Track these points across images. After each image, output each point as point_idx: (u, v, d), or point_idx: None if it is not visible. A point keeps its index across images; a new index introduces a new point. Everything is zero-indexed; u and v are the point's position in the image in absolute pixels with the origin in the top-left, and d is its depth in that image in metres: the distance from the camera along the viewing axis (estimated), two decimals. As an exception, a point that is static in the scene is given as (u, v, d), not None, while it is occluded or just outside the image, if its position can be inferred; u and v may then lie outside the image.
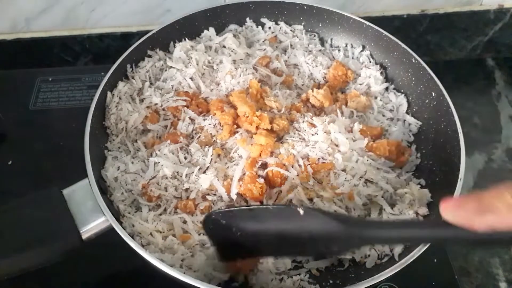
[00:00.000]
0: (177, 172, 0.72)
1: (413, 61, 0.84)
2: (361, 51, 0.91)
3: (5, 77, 1.03)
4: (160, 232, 0.67)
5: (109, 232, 0.64)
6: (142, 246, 0.64)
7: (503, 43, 1.13)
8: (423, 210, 0.70)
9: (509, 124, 1.01)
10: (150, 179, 0.71)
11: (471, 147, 0.96)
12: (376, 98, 0.86)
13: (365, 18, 0.90)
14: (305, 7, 0.90)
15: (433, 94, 0.81)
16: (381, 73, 0.89)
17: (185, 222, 0.68)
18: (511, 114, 1.03)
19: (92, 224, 0.64)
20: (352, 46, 0.92)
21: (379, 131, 0.81)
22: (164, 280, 0.61)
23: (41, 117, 0.95)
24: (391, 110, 0.86)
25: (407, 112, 0.85)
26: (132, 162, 0.73)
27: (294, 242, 0.57)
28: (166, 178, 0.71)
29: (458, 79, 1.10)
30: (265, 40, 0.92)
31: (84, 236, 0.63)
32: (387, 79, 0.89)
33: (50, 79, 1.01)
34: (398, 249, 0.68)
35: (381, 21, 1.06)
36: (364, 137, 0.77)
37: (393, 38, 0.87)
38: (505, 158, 0.96)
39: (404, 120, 0.84)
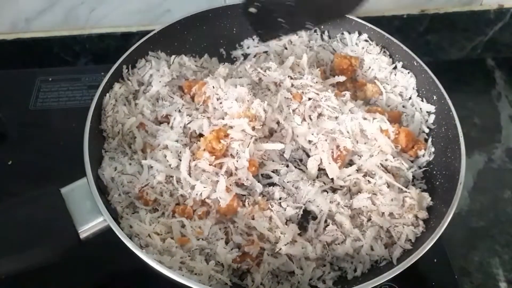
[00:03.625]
0: (171, 177, 0.71)
1: (415, 63, 0.84)
2: (359, 36, 0.90)
3: (5, 77, 1.03)
4: (158, 234, 0.67)
5: (108, 232, 0.64)
6: (141, 247, 0.64)
7: (503, 43, 1.13)
8: (423, 214, 0.71)
9: (509, 124, 1.01)
10: (145, 185, 0.70)
11: (471, 147, 0.95)
12: (383, 83, 0.86)
13: (365, 18, 0.90)
14: (307, 9, 0.90)
15: (434, 98, 0.81)
16: (384, 52, 0.88)
17: (183, 226, 0.68)
18: (511, 114, 1.03)
19: (91, 224, 0.64)
20: (349, 33, 0.91)
21: (396, 114, 0.82)
22: (162, 281, 0.61)
23: (41, 117, 0.95)
24: (400, 94, 0.86)
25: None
26: (130, 164, 0.73)
27: None
28: (161, 183, 0.71)
29: (458, 79, 1.10)
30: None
31: (82, 236, 0.64)
32: (392, 58, 0.89)
33: (50, 79, 1.01)
34: (396, 253, 0.68)
35: (381, 21, 1.06)
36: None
37: (395, 40, 0.87)
38: (505, 158, 0.95)
39: (420, 108, 0.83)
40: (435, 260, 0.76)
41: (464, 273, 0.80)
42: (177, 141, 0.74)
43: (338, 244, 0.68)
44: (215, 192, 0.69)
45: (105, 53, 1.07)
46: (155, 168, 0.71)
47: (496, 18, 1.09)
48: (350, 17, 0.90)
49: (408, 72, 0.86)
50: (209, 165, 0.70)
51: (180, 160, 0.71)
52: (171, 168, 0.71)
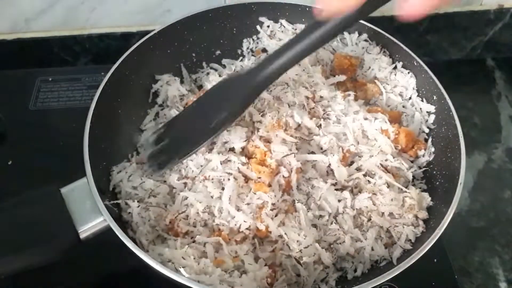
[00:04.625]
0: (208, 207, 0.68)
1: (415, 63, 0.84)
2: (359, 36, 0.90)
3: (5, 77, 1.03)
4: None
5: (108, 232, 0.64)
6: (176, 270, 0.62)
7: (503, 43, 1.13)
8: (423, 214, 0.70)
9: (509, 124, 1.01)
10: (177, 215, 0.67)
11: (471, 147, 0.96)
12: (383, 83, 0.86)
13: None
14: (307, 9, 0.90)
15: (434, 98, 0.81)
16: (384, 52, 0.88)
17: (217, 251, 0.65)
18: (511, 114, 1.03)
19: (90, 224, 0.64)
20: (349, 33, 0.91)
21: (396, 114, 0.82)
22: (162, 281, 0.61)
23: (41, 117, 0.95)
24: (400, 94, 0.86)
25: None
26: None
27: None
28: (197, 213, 0.67)
29: (458, 79, 1.10)
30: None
31: (82, 236, 0.63)
32: (392, 58, 0.88)
33: (50, 79, 1.01)
34: (396, 253, 0.68)
35: (381, 21, 1.05)
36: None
37: (395, 40, 0.87)
38: (505, 158, 0.96)
39: (420, 108, 0.83)
40: (435, 260, 0.76)
41: (464, 273, 0.80)
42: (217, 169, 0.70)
43: (340, 244, 0.68)
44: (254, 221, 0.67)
45: (105, 53, 1.08)
46: (192, 199, 0.68)
47: (496, 18, 1.09)
48: (351, 17, 0.90)
49: (408, 72, 0.86)
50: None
51: (223, 189, 0.68)
52: (212, 198, 0.68)
